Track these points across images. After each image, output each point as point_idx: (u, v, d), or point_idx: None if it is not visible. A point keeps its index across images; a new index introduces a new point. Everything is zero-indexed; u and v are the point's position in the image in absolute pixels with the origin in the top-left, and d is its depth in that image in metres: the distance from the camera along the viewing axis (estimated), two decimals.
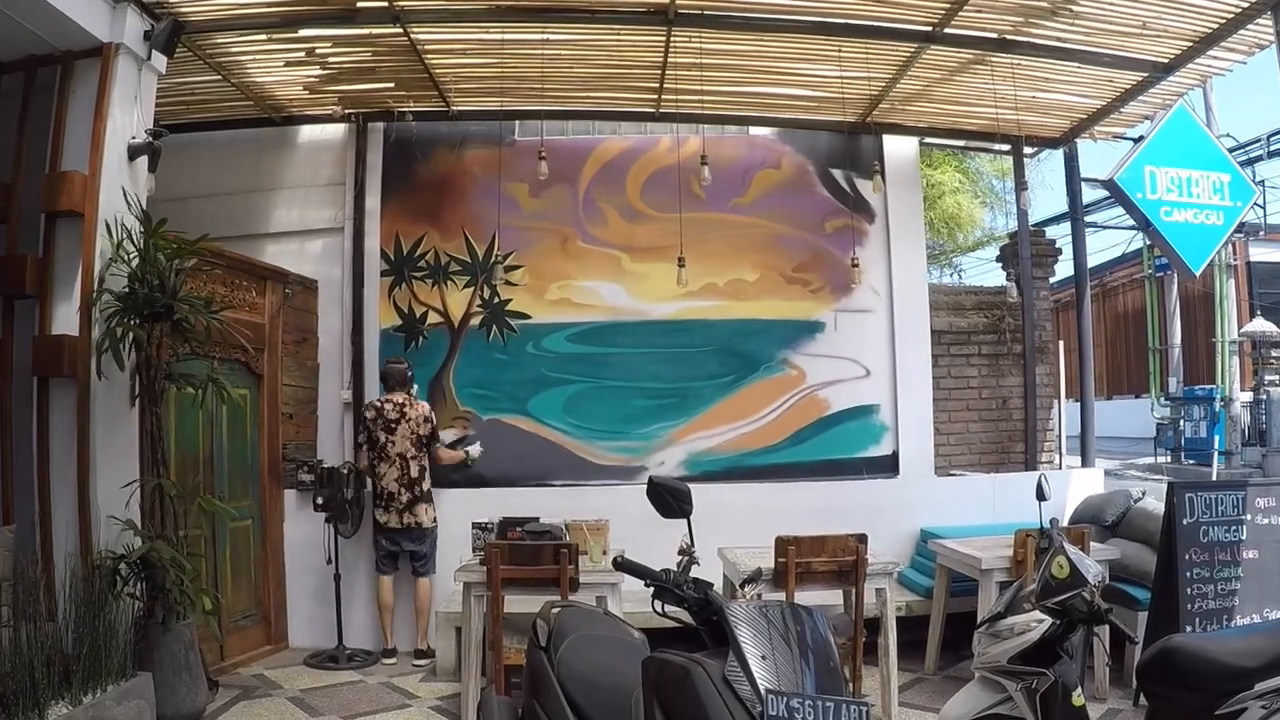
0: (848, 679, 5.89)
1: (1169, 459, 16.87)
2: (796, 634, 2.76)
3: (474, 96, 8.63)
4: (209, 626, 6.27)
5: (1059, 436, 9.86)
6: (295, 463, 8.16)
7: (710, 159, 7.82)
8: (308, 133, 9.17)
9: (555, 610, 4.01)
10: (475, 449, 8.57)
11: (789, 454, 8.95)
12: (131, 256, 5.79)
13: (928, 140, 10.19)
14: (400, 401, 7.87)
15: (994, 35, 7.39)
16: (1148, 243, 16.34)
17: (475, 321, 8.97)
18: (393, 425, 7.81)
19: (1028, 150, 9.75)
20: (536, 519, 6.60)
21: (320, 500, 7.71)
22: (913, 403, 9.10)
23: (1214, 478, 9.79)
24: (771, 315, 8.88)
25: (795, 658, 2.68)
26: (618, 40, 7.62)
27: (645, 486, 3.40)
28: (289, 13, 7.02)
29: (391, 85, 8.38)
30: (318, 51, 7.70)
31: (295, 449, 8.35)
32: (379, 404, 7.88)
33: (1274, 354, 15.34)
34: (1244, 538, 6.14)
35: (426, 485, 7.90)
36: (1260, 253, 19.74)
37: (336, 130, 9.09)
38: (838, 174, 9.27)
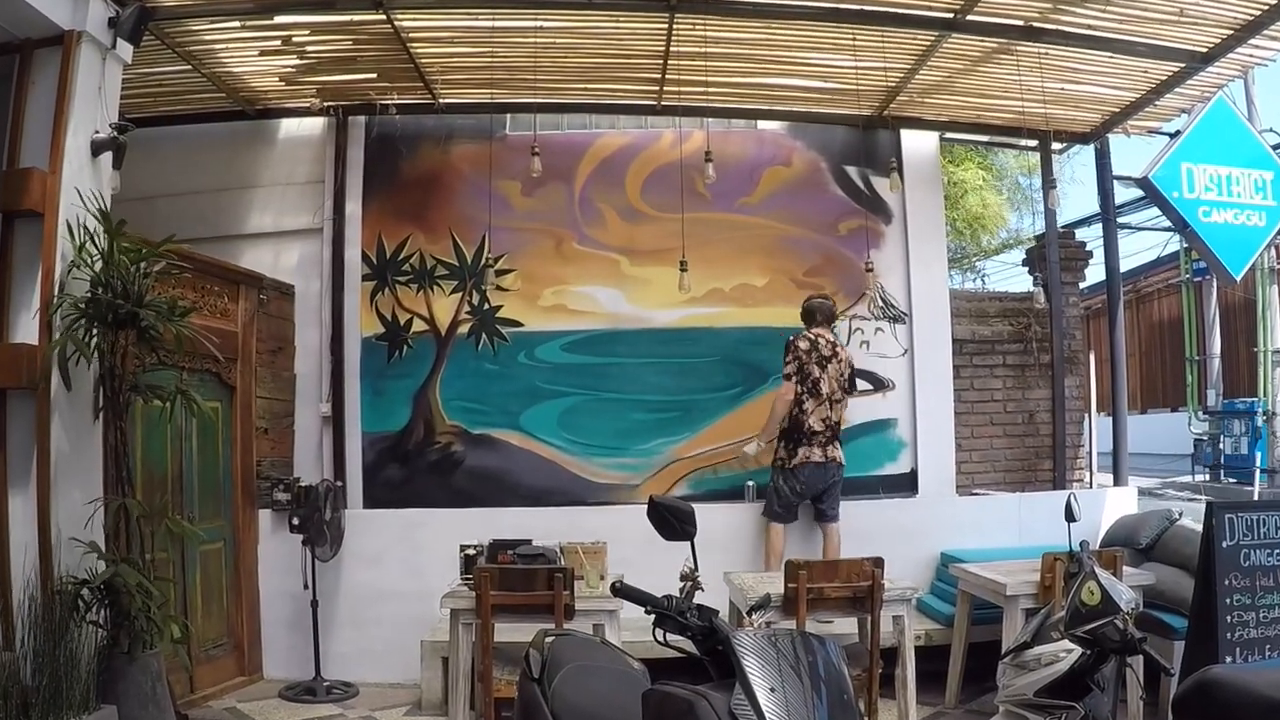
0: (863, 713, 5.88)
1: (1207, 477, 16.89)
2: (808, 665, 2.76)
3: (462, 88, 8.66)
4: (178, 656, 6.26)
5: (1090, 453, 9.86)
6: (270, 481, 8.16)
7: (715, 155, 7.85)
8: (284, 127, 9.19)
9: (549, 639, 4.01)
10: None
11: None
12: (95, 260, 5.79)
13: (949, 135, 10.19)
14: (831, 339, 8.11)
15: (1020, 22, 7.40)
16: (1185, 245, 16.37)
17: (463, 330, 8.98)
18: (826, 362, 7.98)
19: (1056, 146, 9.75)
20: (529, 541, 6.59)
21: (297, 521, 7.69)
22: (932, 417, 9.11)
23: (1256, 497, 9.82)
24: (781, 323, 8.87)
25: (806, 690, 2.69)
26: (616, 27, 7.64)
27: (646, 506, 3.41)
28: None
29: (374, 76, 8.40)
30: (295, 40, 7.72)
31: (270, 466, 8.35)
32: (813, 336, 8.04)
33: None
34: None
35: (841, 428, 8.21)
36: None
37: (315, 124, 9.11)
38: (852, 171, 9.29)
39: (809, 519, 8.11)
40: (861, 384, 8.91)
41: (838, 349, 8.07)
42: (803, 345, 7.97)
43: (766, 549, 7.95)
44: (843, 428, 8.22)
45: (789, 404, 7.95)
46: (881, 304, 9.17)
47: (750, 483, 8.64)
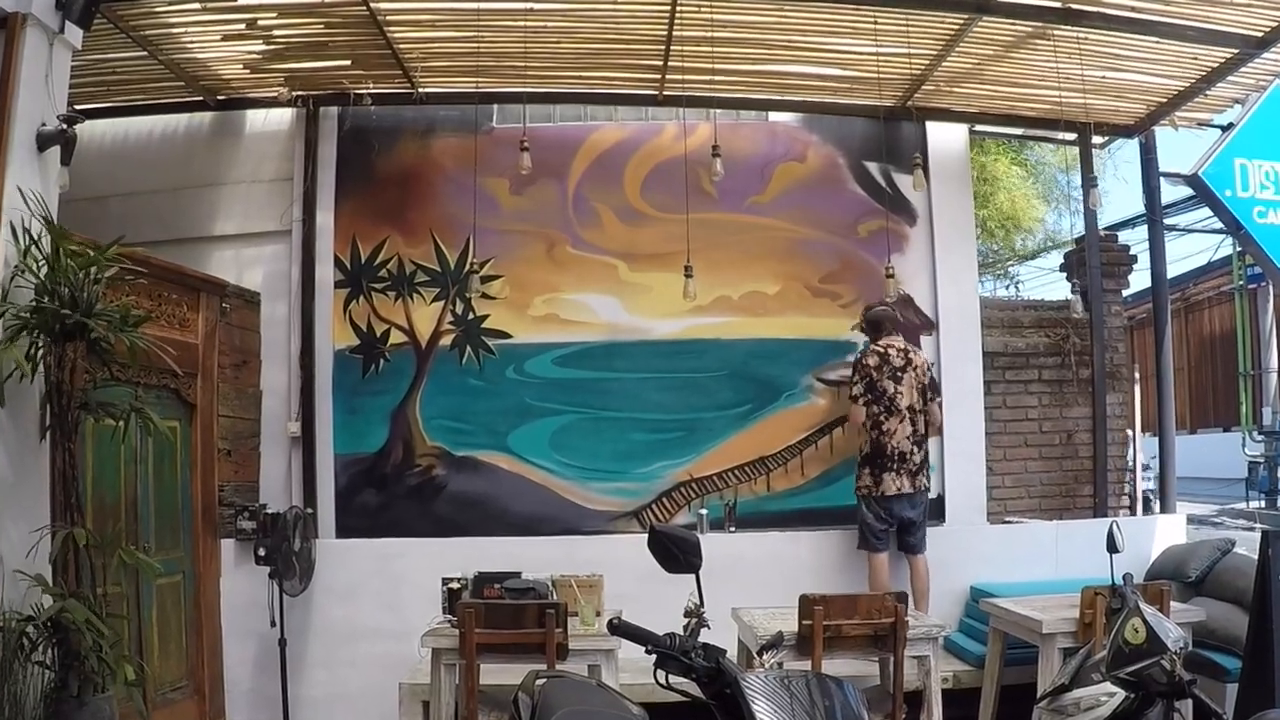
0: None
1: (1263, 503, 16.86)
2: (824, 710, 2.77)
3: (444, 76, 8.70)
4: (132, 700, 6.22)
5: (1134, 477, 9.86)
6: (234, 508, 8.15)
7: (723, 150, 7.85)
8: (249, 119, 9.22)
9: (540, 681, 4.02)
10: None
11: (816, 497, 8.96)
12: (40, 265, 5.79)
13: (979, 128, 10.23)
14: (903, 347, 8.16)
15: (1058, 4, 7.41)
16: (1238, 249, 16.40)
17: (446, 341, 9.00)
18: (899, 373, 8.02)
19: (1097, 140, 9.76)
20: (518, 574, 6.61)
21: (263, 552, 7.67)
22: (961, 437, 9.11)
23: None
24: (795, 334, 8.90)
25: None
26: (614, 9, 7.68)
27: (646, 536, 3.41)
28: None
29: (347, 63, 8.43)
30: (261, 23, 7.75)
31: (234, 491, 8.35)
32: (882, 349, 8.11)
33: None
34: None
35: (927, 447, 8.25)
36: None
37: (283, 116, 9.13)
38: (873, 168, 9.31)
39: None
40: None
41: (911, 356, 8.14)
42: (871, 361, 8.09)
43: (871, 581, 8.00)
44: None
45: (861, 426, 8.10)
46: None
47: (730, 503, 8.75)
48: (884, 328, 8.20)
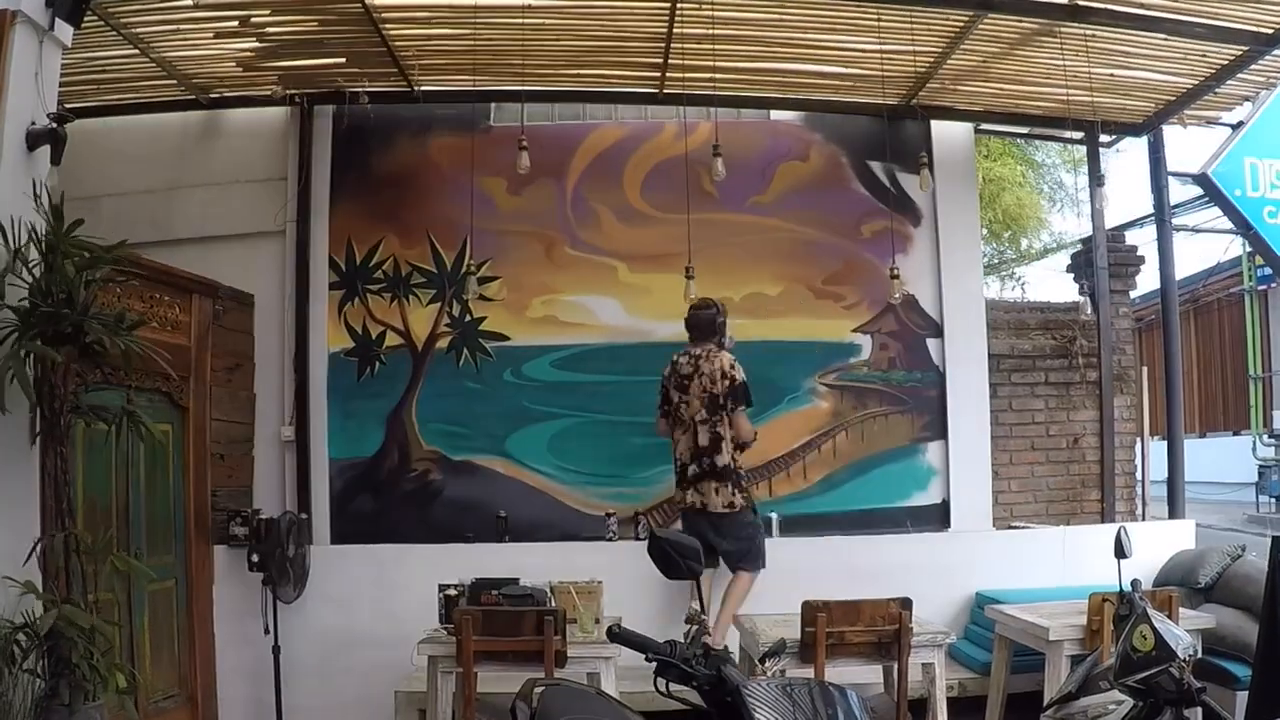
0: None
1: (1274, 507, 16.86)
2: (827, 718, 2.77)
3: (441, 74, 8.70)
4: (123, 709, 6.23)
5: (1142, 482, 9.86)
6: (227, 513, 8.15)
7: (724, 149, 7.83)
8: (242, 118, 9.22)
9: (539, 689, 4.01)
10: None
11: (819, 503, 8.99)
12: (34, 265, 5.79)
13: (984, 126, 10.26)
14: (696, 353, 7.77)
15: (1064, 0, 7.44)
16: (1248, 249, 16.39)
17: (443, 344, 9.01)
18: (685, 382, 7.73)
19: (1104, 138, 9.79)
20: (516, 580, 6.61)
21: (256, 558, 7.69)
22: (966, 441, 9.13)
23: None
24: (797, 336, 8.91)
25: None
26: (613, 6, 7.70)
27: (646, 542, 3.42)
28: None
29: (342, 61, 8.44)
30: (254, 20, 7.75)
31: (227, 497, 8.34)
32: (675, 357, 7.86)
33: None
34: None
35: (724, 460, 7.61)
36: None
37: (277, 115, 9.14)
38: (876, 167, 9.32)
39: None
40: (891, 401, 8.89)
41: (700, 363, 7.70)
42: (665, 370, 7.92)
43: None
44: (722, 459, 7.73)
45: (664, 435, 7.96)
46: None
47: (774, 514, 8.65)
48: (690, 333, 7.91)
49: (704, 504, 7.54)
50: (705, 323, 7.82)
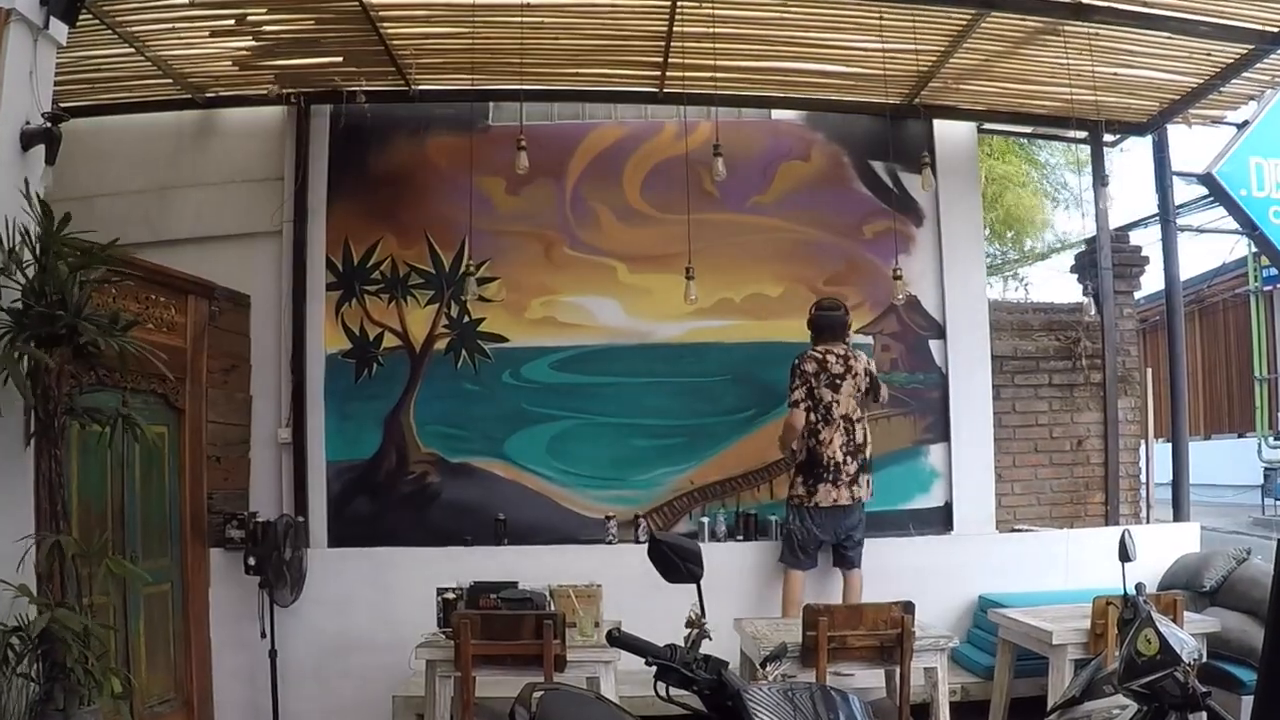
0: None
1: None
2: None
3: (439, 74, 8.71)
4: (119, 714, 6.21)
5: (1146, 484, 9.85)
6: (223, 516, 8.16)
7: (725, 149, 7.80)
8: (238, 118, 9.21)
9: (538, 694, 4.01)
10: None
11: None
12: (28, 265, 5.79)
13: (987, 126, 10.24)
14: (843, 353, 8.13)
15: None
16: (1253, 250, 16.38)
17: (441, 345, 9.01)
18: (837, 381, 7.99)
19: (1108, 138, 9.78)
20: (515, 584, 6.60)
21: (253, 561, 7.69)
22: (969, 444, 9.12)
23: None
24: (799, 337, 8.85)
25: None
26: (613, 5, 7.69)
27: (646, 545, 3.42)
28: None
29: (340, 60, 8.44)
30: (250, 19, 7.76)
31: (223, 499, 8.34)
32: (820, 354, 8.07)
33: None
34: None
35: (869, 453, 8.20)
36: None
37: (273, 115, 9.13)
38: (878, 167, 9.32)
39: (827, 561, 8.12)
40: (893, 403, 8.89)
41: (850, 362, 8.06)
42: (809, 367, 8.02)
43: (784, 598, 7.94)
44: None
45: (798, 432, 7.99)
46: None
47: (774, 517, 8.64)
48: (824, 334, 8.16)
49: (857, 497, 8.02)
50: (839, 324, 8.24)
